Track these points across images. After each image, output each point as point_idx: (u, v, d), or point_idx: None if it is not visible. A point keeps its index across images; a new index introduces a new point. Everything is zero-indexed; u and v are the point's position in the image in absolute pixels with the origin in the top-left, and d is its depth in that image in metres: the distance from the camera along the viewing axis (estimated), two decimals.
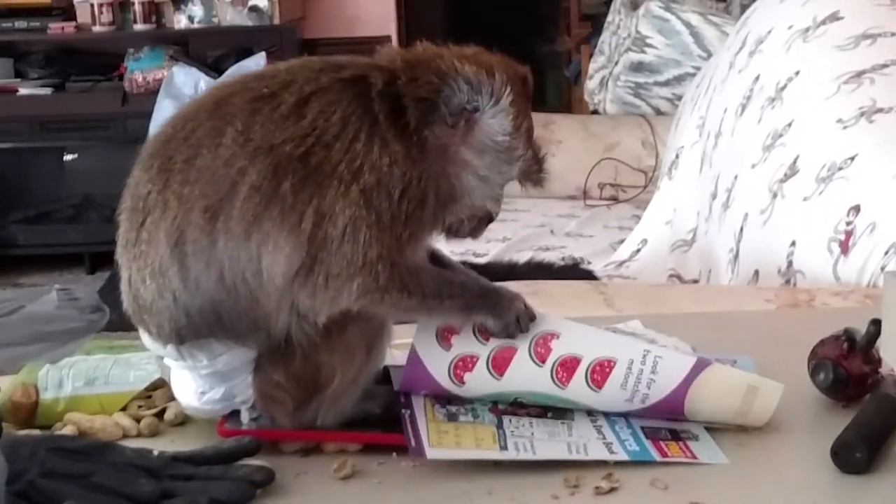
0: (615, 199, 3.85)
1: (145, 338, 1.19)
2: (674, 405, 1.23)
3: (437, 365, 1.23)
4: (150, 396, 1.30)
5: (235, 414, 1.21)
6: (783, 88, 2.60)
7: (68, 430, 1.22)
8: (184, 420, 1.27)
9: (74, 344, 0.94)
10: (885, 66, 2.39)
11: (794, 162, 2.39)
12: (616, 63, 4.30)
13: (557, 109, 5.90)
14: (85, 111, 5.40)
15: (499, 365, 1.23)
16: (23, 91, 5.53)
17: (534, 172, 1.23)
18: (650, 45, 4.14)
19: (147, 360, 1.28)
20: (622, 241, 3.22)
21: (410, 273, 1.15)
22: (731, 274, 2.53)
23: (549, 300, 1.82)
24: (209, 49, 5.57)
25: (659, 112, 4.12)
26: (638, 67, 4.19)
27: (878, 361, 1.26)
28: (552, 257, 3.08)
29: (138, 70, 5.41)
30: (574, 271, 2.69)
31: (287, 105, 1.14)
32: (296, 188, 1.12)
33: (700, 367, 1.24)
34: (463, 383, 1.23)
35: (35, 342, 0.90)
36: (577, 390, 1.23)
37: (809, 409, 1.28)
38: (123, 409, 1.27)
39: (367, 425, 1.21)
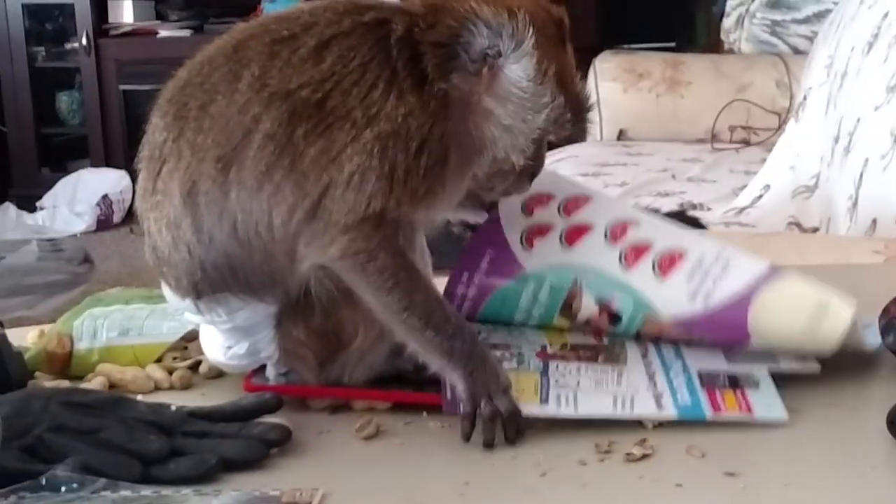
0: (746, 143, 3.70)
1: (166, 290, 1.17)
2: (738, 313, 1.16)
3: (513, 225, 1.22)
4: (186, 348, 1.28)
5: (264, 368, 1.18)
6: None
7: (98, 381, 1.21)
8: (218, 373, 1.24)
9: (61, 297, 0.91)
10: None
11: None
12: (753, 0, 4.13)
13: (706, 49, 5.71)
14: None
15: (572, 236, 1.21)
16: (163, 33, 5.63)
17: (566, 121, 1.14)
18: None
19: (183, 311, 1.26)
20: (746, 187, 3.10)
21: (408, 268, 1.08)
22: (850, 222, 2.41)
23: None
24: None
25: (797, 51, 3.95)
26: (775, 4, 4.03)
27: None
28: (670, 203, 2.98)
29: (274, 11, 5.42)
30: (680, 218, 2.58)
31: (307, 48, 1.09)
32: (308, 134, 1.07)
33: (771, 274, 1.19)
34: (532, 247, 1.21)
35: (14, 295, 0.88)
36: (642, 275, 1.19)
37: (880, 373, 1.19)
38: (159, 360, 1.26)
39: (399, 383, 1.17)
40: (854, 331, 1.17)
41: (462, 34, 1.09)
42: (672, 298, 1.18)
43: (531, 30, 1.09)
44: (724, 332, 1.18)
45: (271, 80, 1.09)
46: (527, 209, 1.24)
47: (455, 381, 1.09)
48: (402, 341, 1.11)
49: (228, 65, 1.12)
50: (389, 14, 1.12)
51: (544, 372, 1.15)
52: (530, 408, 1.10)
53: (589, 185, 1.33)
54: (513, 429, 1.07)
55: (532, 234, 1.22)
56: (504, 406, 1.07)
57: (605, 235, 1.21)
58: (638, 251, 1.20)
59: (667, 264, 1.19)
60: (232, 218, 1.09)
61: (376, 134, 1.06)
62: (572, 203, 1.24)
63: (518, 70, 1.09)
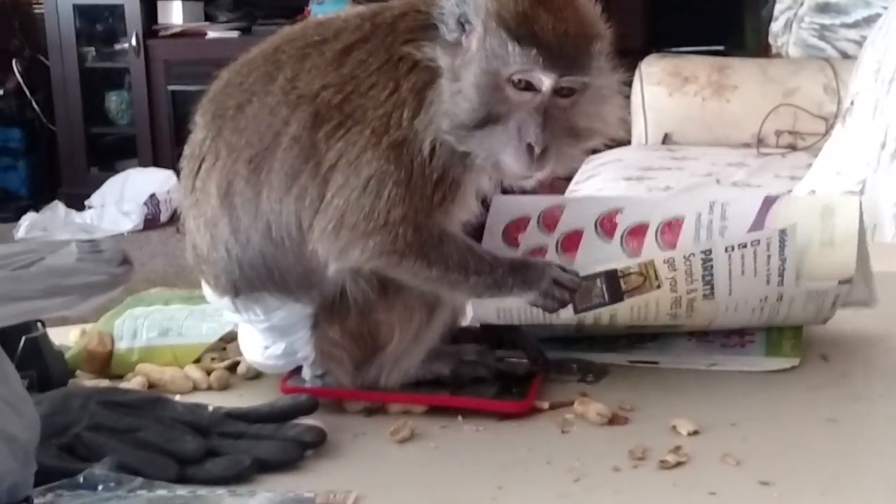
0: (792, 148, 3.68)
1: (206, 288, 1.18)
2: None
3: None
4: (224, 349, 1.29)
5: (301, 370, 1.19)
6: None
7: (137, 381, 1.22)
8: (256, 374, 1.25)
9: (98, 298, 0.92)
10: None
11: None
12: (801, 3, 4.10)
13: (755, 53, 5.68)
14: None
15: (568, 248, 1.22)
16: (211, 34, 5.67)
17: (506, 53, 1.07)
18: None
19: (221, 312, 1.27)
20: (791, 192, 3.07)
21: (435, 241, 1.09)
22: None
23: None
24: None
25: (845, 56, 3.91)
26: (824, 8, 3.99)
27: None
28: None
29: (322, 13, 5.44)
30: None
31: (332, 52, 1.11)
32: (329, 136, 1.08)
33: (770, 201, 1.22)
34: None
35: (52, 296, 0.89)
36: (650, 254, 1.20)
37: None
38: (197, 360, 1.27)
39: (435, 386, 1.17)
40: (861, 230, 1.20)
41: (437, 8, 1.10)
42: None
43: None
44: None
45: (300, 83, 1.10)
46: (510, 241, 1.23)
47: (518, 299, 1.13)
48: (451, 301, 1.15)
49: (265, 66, 1.13)
50: (397, 18, 1.12)
51: None
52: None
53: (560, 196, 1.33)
54: (568, 292, 1.13)
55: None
56: (561, 282, 1.12)
57: (598, 234, 1.22)
58: (637, 234, 1.22)
59: (669, 236, 1.21)
60: (265, 219, 1.11)
61: (392, 141, 1.07)
62: (549, 215, 1.24)
63: (479, 23, 1.07)
